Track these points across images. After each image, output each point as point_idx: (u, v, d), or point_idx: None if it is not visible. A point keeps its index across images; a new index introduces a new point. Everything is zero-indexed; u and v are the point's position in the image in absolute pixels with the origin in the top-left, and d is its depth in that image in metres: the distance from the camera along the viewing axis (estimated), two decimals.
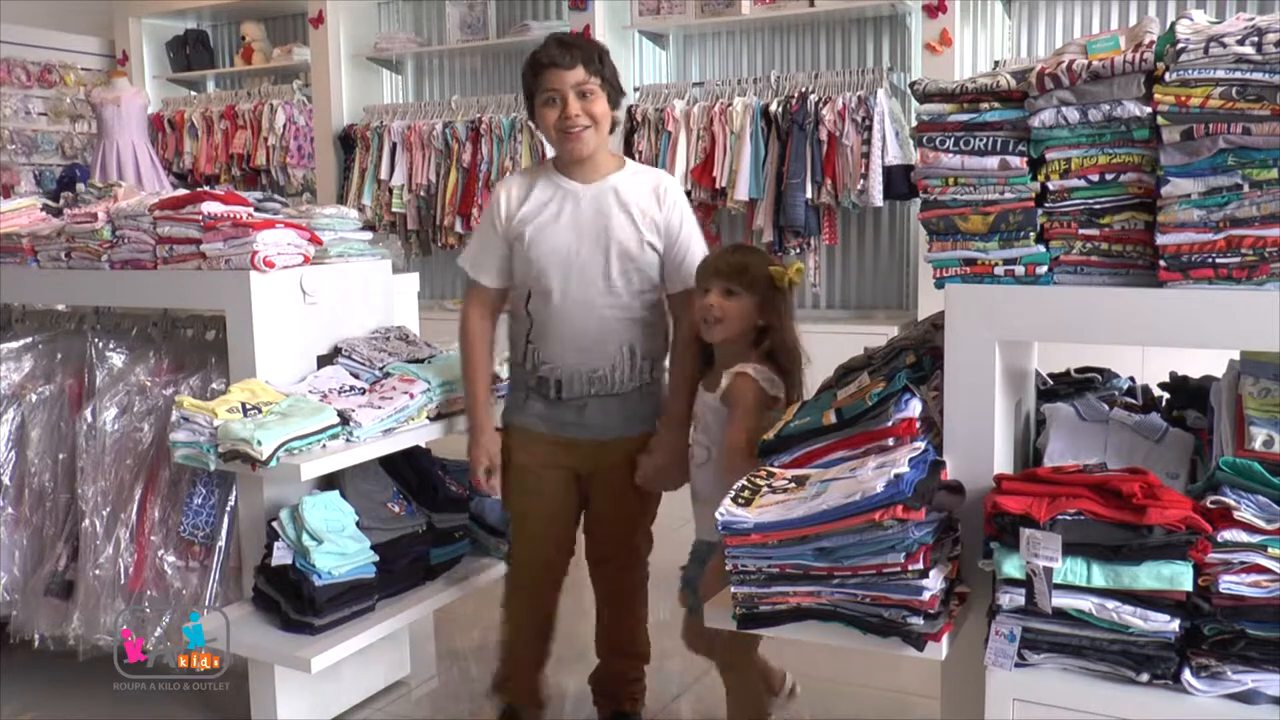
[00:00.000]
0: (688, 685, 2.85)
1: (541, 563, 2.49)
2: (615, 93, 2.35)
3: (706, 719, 2.72)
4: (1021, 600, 1.56)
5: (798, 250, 5.43)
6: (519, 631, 2.56)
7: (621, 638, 2.60)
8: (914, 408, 1.72)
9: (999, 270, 1.70)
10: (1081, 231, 1.66)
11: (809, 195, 5.20)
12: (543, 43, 2.32)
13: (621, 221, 2.33)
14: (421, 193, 6.44)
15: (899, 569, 1.55)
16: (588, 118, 2.28)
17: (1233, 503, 1.52)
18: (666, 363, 2.45)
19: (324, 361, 2.67)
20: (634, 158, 5.61)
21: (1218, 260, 1.55)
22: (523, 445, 2.43)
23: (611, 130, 2.38)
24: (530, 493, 2.44)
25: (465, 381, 2.49)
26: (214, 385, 2.62)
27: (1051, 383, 2.11)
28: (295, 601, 2.37)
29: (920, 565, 1.55)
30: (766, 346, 2.18)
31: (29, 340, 3.01)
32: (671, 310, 2.43)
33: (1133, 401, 2.02)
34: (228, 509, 2.62)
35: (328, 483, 2.48)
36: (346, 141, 6.79)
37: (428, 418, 2.60)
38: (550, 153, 2.50)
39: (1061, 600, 1.53)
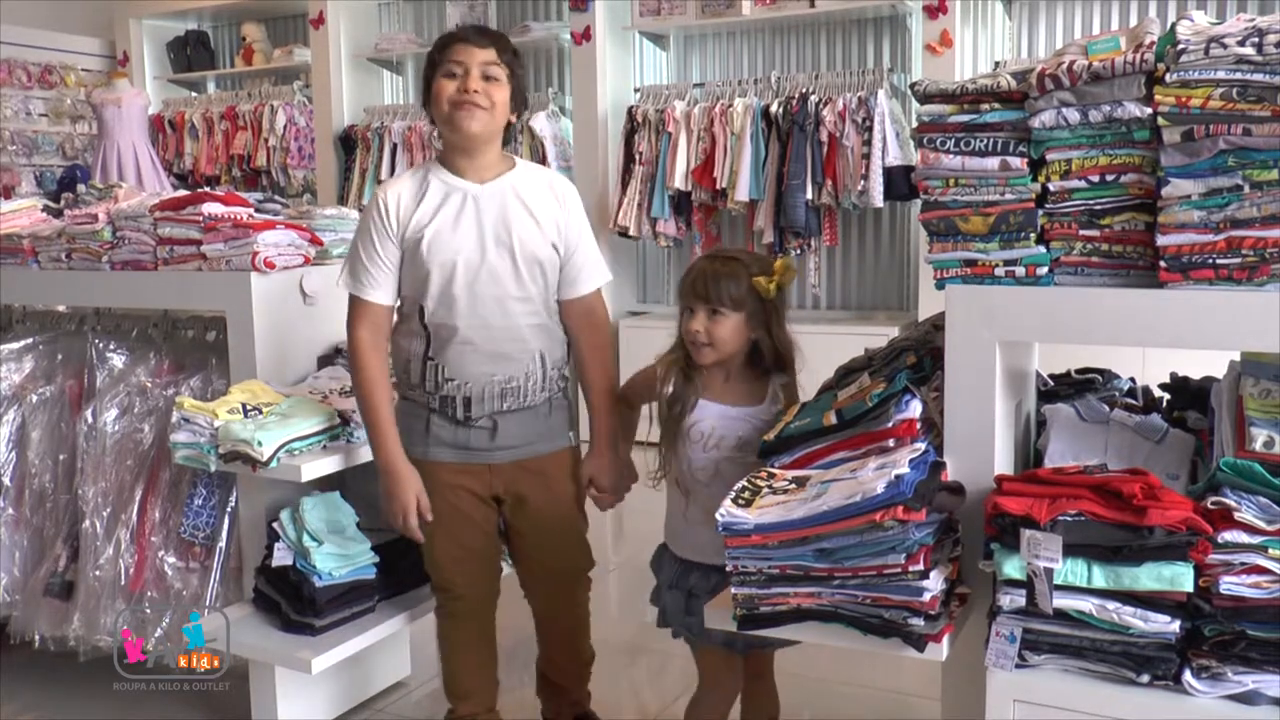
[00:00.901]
0: (688, 685, 2.84)
1: (482, 588, 2.39)
2: (519, 94, 2.23)
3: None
4: (1022, 601, 1.55)
5: (798, 251, 5.43)
6: (468, 665, 2.43)
7: (569, 661, 2.53)
8: (914, 408, 1.72)
9: (999, 271, 1.70)
10: (1082, 232, 1.66)
11: (809, 196, 5.20)
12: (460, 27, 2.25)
13: (525, 221, 2.19)
14: None
15: (899, 570, 1.55)
16: (487, 98, 2.14)
17: (1233, 504, 1.52)
18: (566, 372, 2.33)
19: (324, 362, 2.68)
20: (635, 158, 5.65)
21: (1218, 261, 1.55)
22: (435, 480, 2.25)
23: (507, 141, 2.27)
24: (453, 531, 2.28)
25: (368, 414, 2.23)
26: (214, 386, 2.63)
27: (1052, 384, 2.11)
28: (296, 602, 2.37)
29: (921, 566, 1.55)
30: (769, 356, 2.10)
31: (29, 341, 3.01)
32: (568, 317, 2.30)
33: (1133, 402, 2.02)
34: (228, 510, 2.62)
35: (328, 483, 2.48)
36: (347, 142, 6.79)
37: None
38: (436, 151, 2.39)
39: (1062, 601, 1.53)
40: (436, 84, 2.18)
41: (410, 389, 2.28)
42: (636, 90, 5.91)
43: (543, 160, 5.75)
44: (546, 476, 2.32)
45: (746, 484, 1.72)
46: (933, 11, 5.10)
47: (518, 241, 2.19)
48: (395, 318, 2.28)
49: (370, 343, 2.22)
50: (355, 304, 2.24)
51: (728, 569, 1.67)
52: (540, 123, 5.88)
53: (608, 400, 2.31)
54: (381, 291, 2.22)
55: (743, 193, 5.31)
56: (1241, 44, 1.51)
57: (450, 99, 2.15)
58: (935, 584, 1.58)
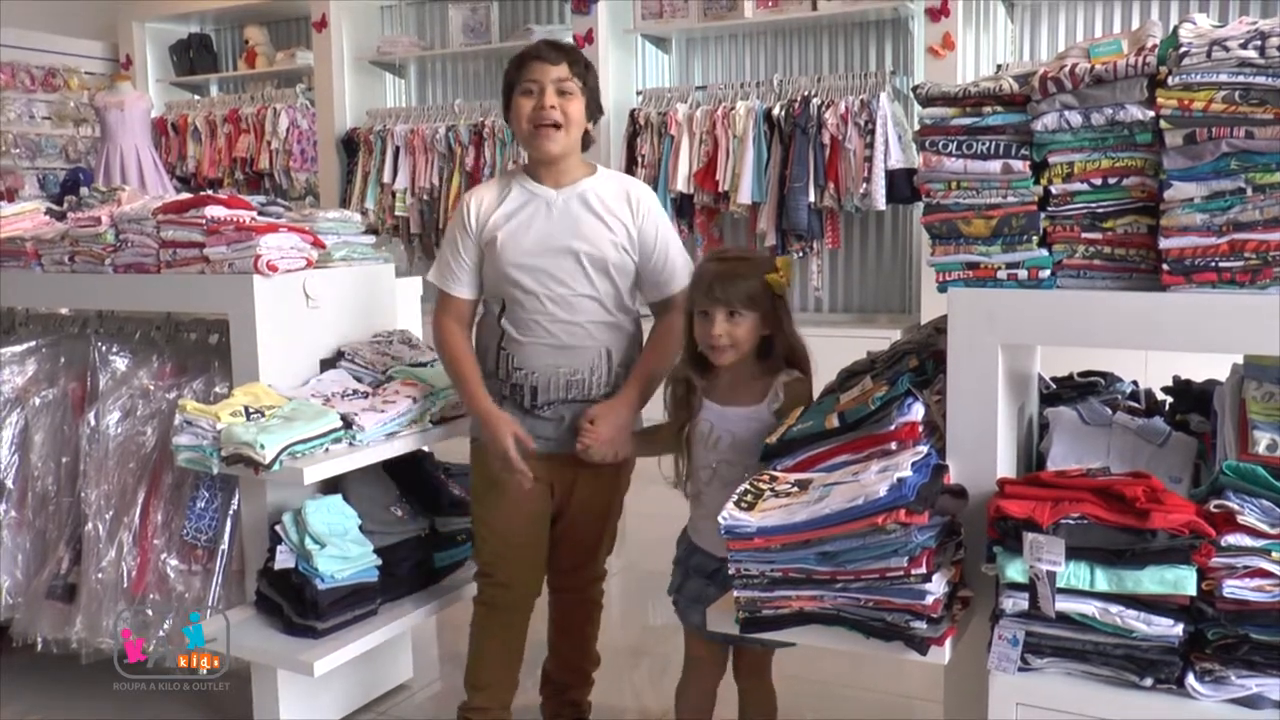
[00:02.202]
0: None
1: (528, 581, 2.46)
2: (594, 105, 2.35)
3: None
4: (1025, 604, 1.55)
5: (800, 254, 5.44)
6: (495, 656, 2.47)
7: (578, 657, 2.60)
8: (917, 411, 1.72)
9: (1002, 274, 1.70)
10: (1084, 235, 1.66)
11: (812, 199, 5.21)
12: (534, 43, 2.35)
13: (593, 226, 2.31)
14: (424, 196, 6.46)
15: (902, 573, 1.55)
16: (562, 114, 2.27)
17: (1236, 507, 1.52)
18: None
19: (327, 365, 2.68)
20: (637, 161, 5.66)
21: (1221, 264, 1.55)
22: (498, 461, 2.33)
23: (586, 147, 2.37)
24: (509, 511, 2.38)
25: (461, 384, 2.37)
26: (217, 389, 2.63)
27: (1054, 386, 2.11)
28: (298, 605, 2.37)
29: (923, 569, 1.55)
30: (778, 354, 2.11)
31: (32, 344, 3.01)
32: (656, 315, 2.43)
33: (1136, 405, 2.02)
34: (230, 512, 2.62)
35: (330, 486, 2.48)
36: (349, 145, 6.80)
37: (430, 421, 2.61)
38: (524, 159, 2.49)
39: (1065, 604, 1.53)
40: (515, 103, 2.31)
41: (486, 376, 2.39)
42: (639, 93, 5.92)
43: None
44: (599, 468, 2.37)
45: (749, 487, 1.72)
46: (935, 14, 5.11)
47: (585, 244, 2.30)
48: (481, 309, 2.43)
49: (453, 328, 2.39)
50: (441, 297, 2.42)
51: (730, 572, 1.67)
52: None
53: (645, 369, 2.36)
54: (463, 287, 2.39)
55: (745, 195, 5.31)
56: (1244, 47, 1.51)
57: (529, 118, 2.29)
58: (938, 587, 1.57)
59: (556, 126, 2.27)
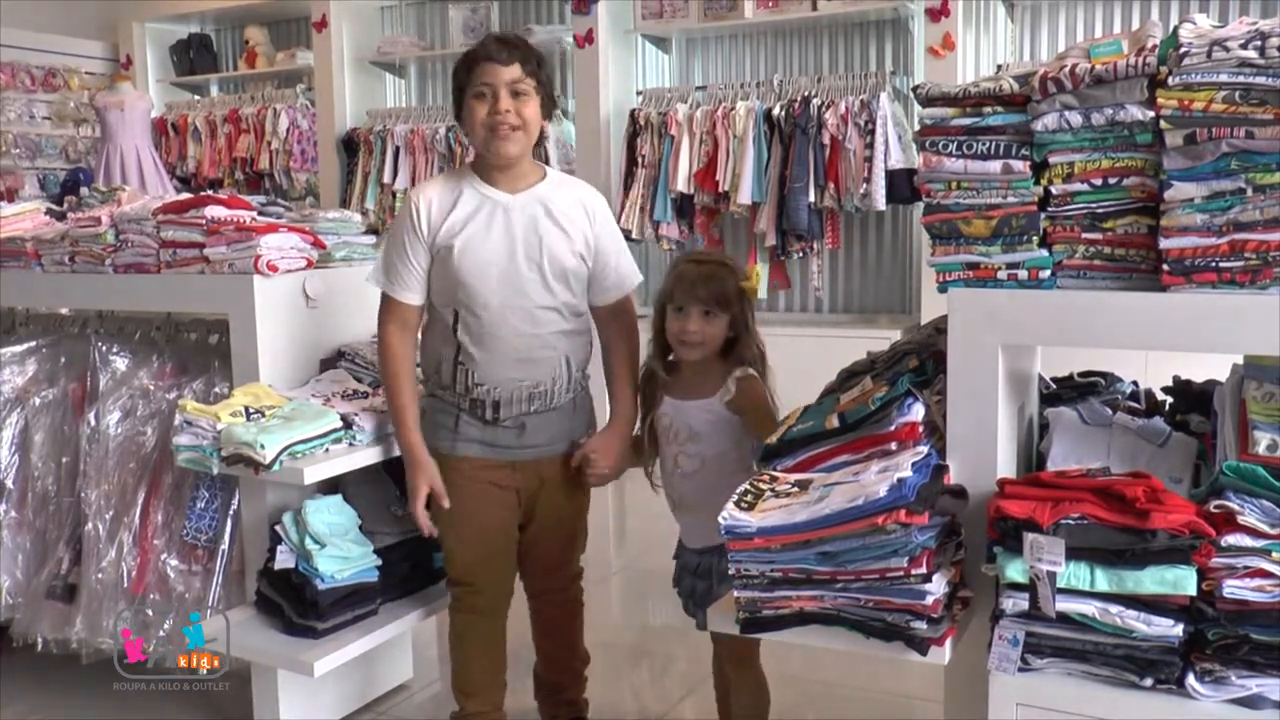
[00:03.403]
0: (692, 688, 2.85)
1: (502, 584, 2.44)
2: (549, 101, 2.29)
3: None
4: (1025, 604, 1.55)
5: (800, 254, 5.44)
6: (481, 661, 2.46)
7: (567, 657, 2.58)
8: (917, 412, 1.72)
9: (1002, 274, 1.70)
10: (1084, 235, 1.66)
11: (812, 199, 5.20)
12: (481, 40, 2.30)
13: (554, 235, 2.27)
14: None
15: (902, 573, 1.55)
16: (518, 117, 2.21)
17: (1236, 507, 1.52)
18: (588, 370, 2.43)
19: (327, 365, 2.68)
20: (637, 161, 5.65)
21: (1221, 264, 1.55)
22: (460, 474, 2.32)
23: (539, 142, 2.32)
24: (478, 521, 2.35)
25: (394, 406, 2.33)
26: (217, 389, 2.63)
27: (1054, 387, 2.11)
28: (298, 605, 2.37)
29: (923, 569, 1.55)
30: (739, 354, 2.21)
31: (33, 344, 3.01)
32: (599, 319, 2.41)
33: (1136, 406, 2.02)
34: (230, 513, 2.62)
35: (331, 486, 2.48)
36: (349, 145, 6.80)
37: None
38: (470, 157, 2.47)
39: (1065, 604, 1.53)
40: (467, 105, 2.25)
41: (441, 388, 2.35)
42: (639, 93, 5.92)
43: (544, 163, 5.75)
44: (564, 470, 2.39)
45: (749, 487, 1.72)
46: (935, 14, 5.10)
47: (547, 254, 2.26)
48: (425, 317, 2.36)
49: (398, 338, 2.31)
50: (386, 301, 2.33)
51: (730, 572, 1.67)
52: None
53: (629, 390, 2.39)
54: (411, 292, 2.30)
55: (745, 195, 5.31)
56: (1244, 47, 1.51)
57: (483, 123, 2.22)
58: (938, 587, 1.57)
59: (514, 129, 2.22)
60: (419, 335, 2.38)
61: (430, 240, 2.26)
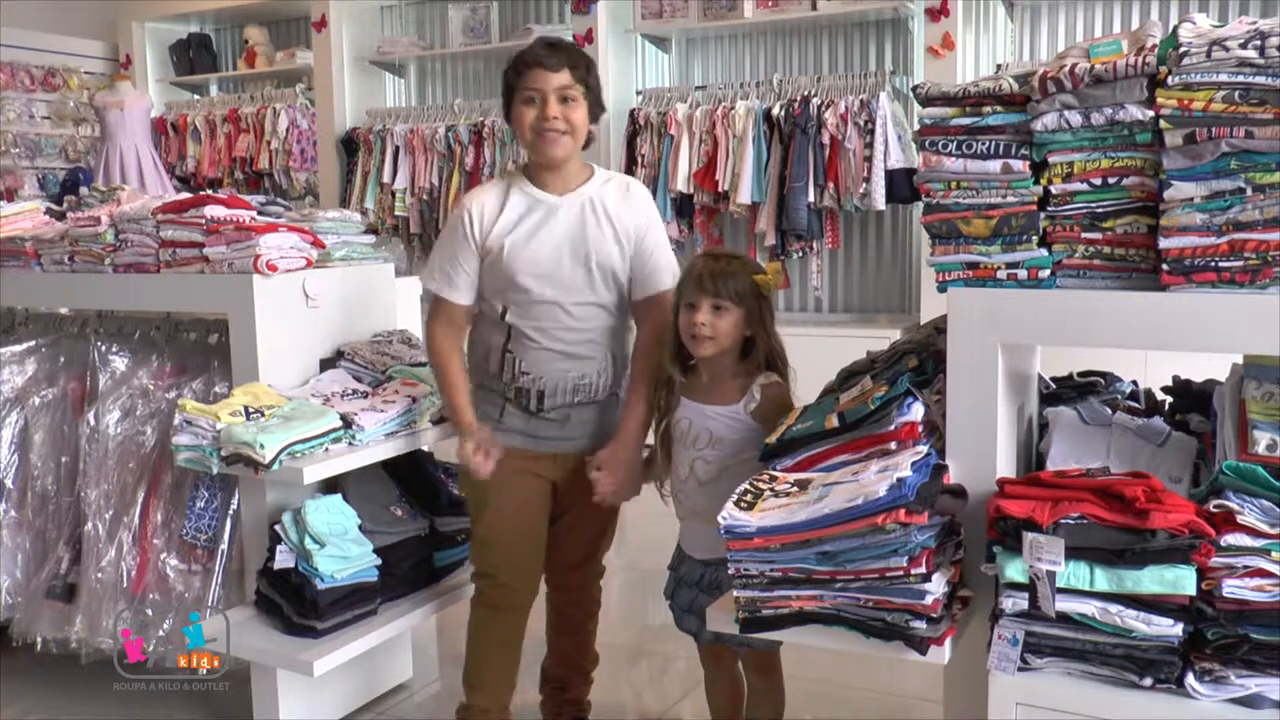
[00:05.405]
0: (691, 688, 2.85)
1: (529, 580, 2.44)
2: (596, 106, 2.32)
3: None
4: (1024, 604, 1.55)
5: (800, 254, 5.43)
6: (496, 657, 2.46)
7: (578, 656, 2.60)
8: (916, 411, 1.72)
9: (1001, 274, 1.70)
10: (1084, 235, 1.66)
11: (811, 199, 5.20)
12: (531, 43, 2.31)
13: (600, 233, 2.29)
14: (424, 196, 6.45)
15: (902, 573, 1.55)
16: (565, 123, 2.24)
17: (1236, 507, 1.52)
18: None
19: (326, 365, 2.68)
20: (637, 161, 5.65)
21: (1220, 264, 1.55)
22: (500, 464, 2.32)
23: (586, 145, 2.33)
24: (511, 511, 2.37)
25: (447, 391, 2.38)
26: (216, 389, 2.63)
27: (1054, 386, 2.11)
28: (298, 605, 2.37)
29: (923, 569, 1.55)
30: (758, 355, 2.15)
31: (32, 344, 3.01)
32: (636, 311, 2.39)
33: (1135, 405, 2.02)
34: (230, 512, 2.62)
35: (330, 486, 2.48)
36: (349, 145, 6.79)
37: (430, 421, 2.61)
38: (522, 159, 2.47)
39: (1064, 604, 1.53)
40: (516, 110, 2.28)
41: (488, 377, 2.38)
42: (639, 93, 5.92)
43: None
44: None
45: (749, 487, 1.72)
46: (935, 14, 5.10)
47: (594, 252, 2.29)
48: (476, 310, 2.39)
49: (445, 333, 2.37)
50: (436, 301, 2.37)
51: (730, 572, 1.67)
52: None
53: (644, 395, 2.33)
54: (461, 292, 2.34)
55: (745, 195, 5.31)
56: (1244, 47, 1.51)
57: (532, 127, 2.25)
58: (937, 587, 1.57)
59: (561, 134, 2.25)
60: (470, 329, 2.42)
61: (480, 244, 2.30)
